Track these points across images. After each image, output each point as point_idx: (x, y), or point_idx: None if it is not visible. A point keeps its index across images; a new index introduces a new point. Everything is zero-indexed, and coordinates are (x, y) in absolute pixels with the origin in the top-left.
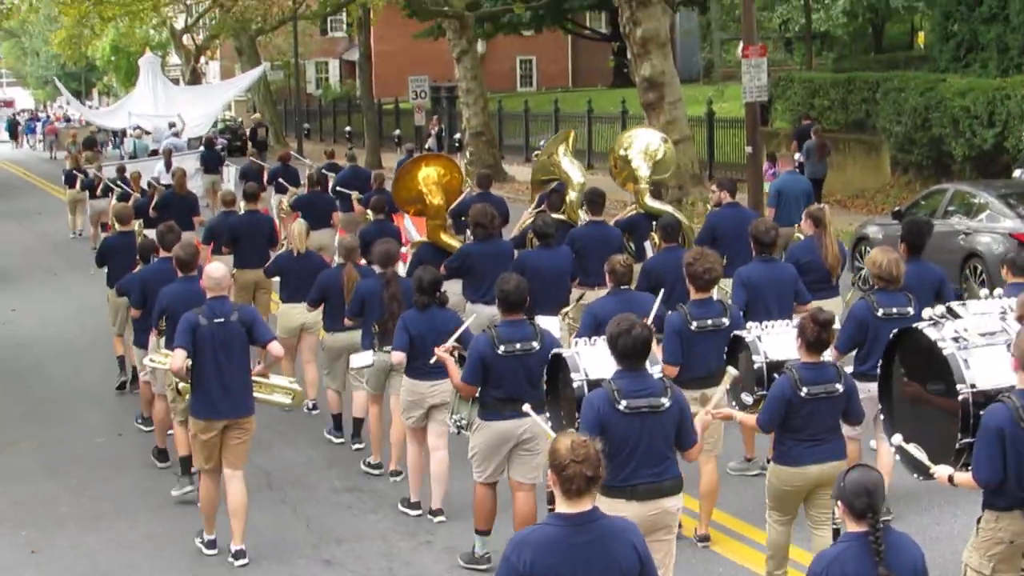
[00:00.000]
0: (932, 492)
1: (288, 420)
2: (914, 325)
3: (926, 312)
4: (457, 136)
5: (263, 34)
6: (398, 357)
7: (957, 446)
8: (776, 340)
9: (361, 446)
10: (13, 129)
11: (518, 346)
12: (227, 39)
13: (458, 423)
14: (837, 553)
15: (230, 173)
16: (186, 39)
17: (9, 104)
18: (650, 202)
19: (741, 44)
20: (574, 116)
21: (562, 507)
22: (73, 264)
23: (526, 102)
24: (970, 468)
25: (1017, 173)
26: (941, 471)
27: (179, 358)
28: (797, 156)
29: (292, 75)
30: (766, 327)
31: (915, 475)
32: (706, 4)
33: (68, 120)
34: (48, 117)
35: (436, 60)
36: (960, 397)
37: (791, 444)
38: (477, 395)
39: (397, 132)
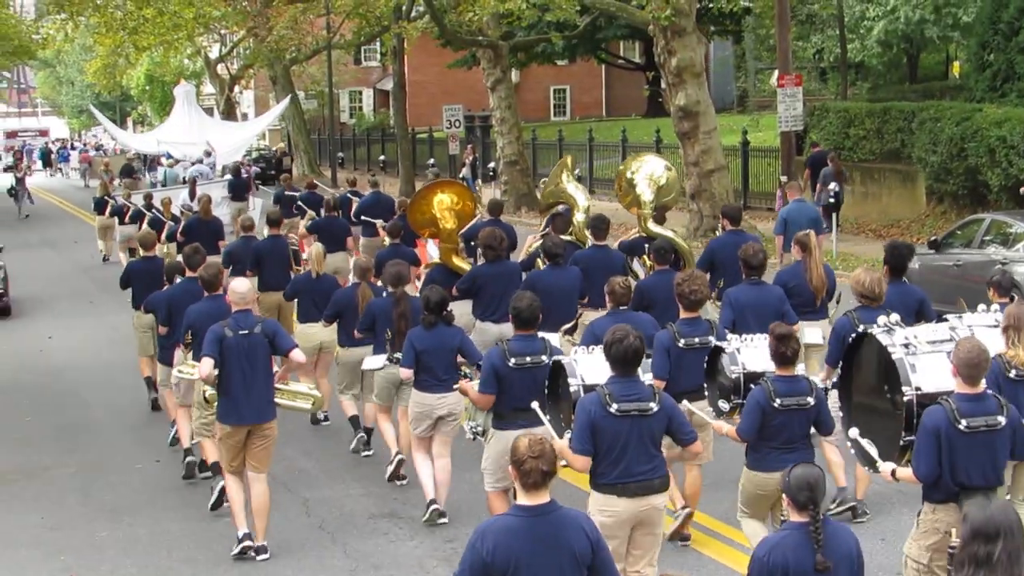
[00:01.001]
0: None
1: (324, 448)
2: (869, 331)
3: (881, 319)
4: (491, 165)
5: (297, 63)
6: (406, 373)
7: (901, 443)
8: (754, 353)
9: (371, 453)
10: (47, 158)
11: (528, 359)
12: (261, 68)
13: (474, 430)
14: (779, 540)
15: (257, 201)
16: (220, 68)
17: (44, 133)
18: (652, 227)
19: (776, 73)
20: (608, 145)
21: (522, 499)
22: (108, 291)
23: (560, 131)
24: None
25: None
26: (885, 467)
27: (207, 366)
28: (832, 186)
29: (326, 104)
30: (746, 340)
31: (866, 468)
32: (740, 34)
33: (99, 148)
34: (83, 145)
35: (470, 89)
36: (905, 398)
37: (765, 451)
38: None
39: (431, 161)
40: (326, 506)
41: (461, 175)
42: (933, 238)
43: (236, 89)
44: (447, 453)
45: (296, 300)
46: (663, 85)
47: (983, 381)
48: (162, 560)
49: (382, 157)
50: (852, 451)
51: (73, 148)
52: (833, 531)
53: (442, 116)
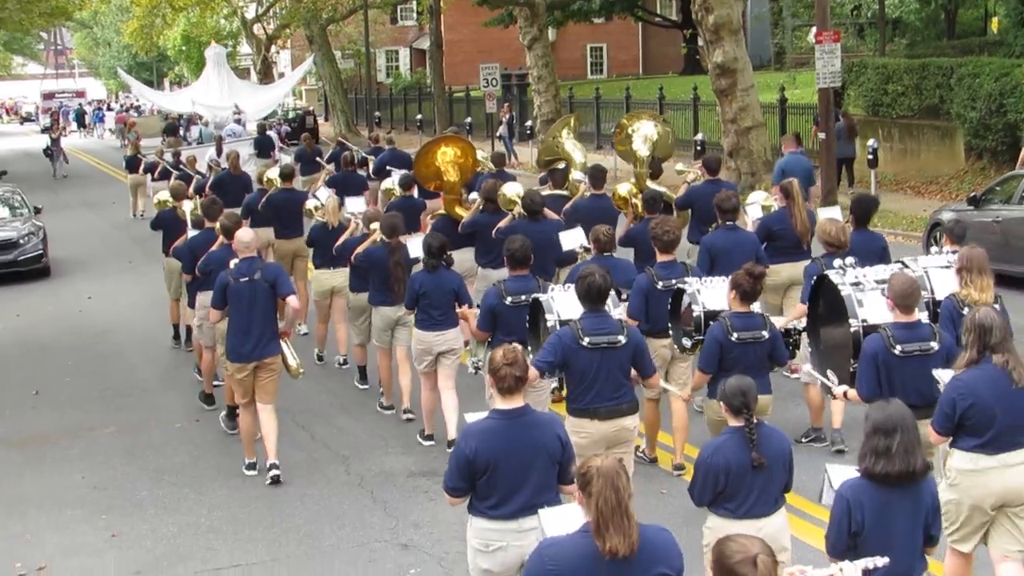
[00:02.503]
0: None
1: (363, 406)
2: (825, 272)
3: (836, 262)
4: (528, 123)
5: (334, 23)
6: (407, 312)
7: (851, 369)
8: (714, 293)
9: (366, 387)
10: (81, 119)
11: (523, 297)
12: (298, 28)
13: (476, 364)
14: (720, 443)
15: (284, 158)
16: (257, 28)
17: (80, 95)
18: (650, 184)
19: (814, 30)
20: (645, 103)
21: (499, 404)
22: (147, 250)
23: (597, 89)
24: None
25: None
26: (838, 390)
27: (214, 316)
28: (871, 143)
29: (363, 64)
30: (705, 282)
31: (826, 394)
32: None
33: (133, 109)
34: (119, 107)
35: (506, 48)
36: (852, 329)
37: (723, 380)
38: (490, 340)
39: (468, 120)
40: (366, 464)
41: (498, 133)
42: (972, 194)
43: (273, 49)
44: (452, 385)
45: (313, 248)
46: (700, 42)
47: (917, 310)
48: (203, 519)
49: (419, 116)
50: (816, 380)
51: (110, 109)
52: (767, 433)
53: (479, 75)
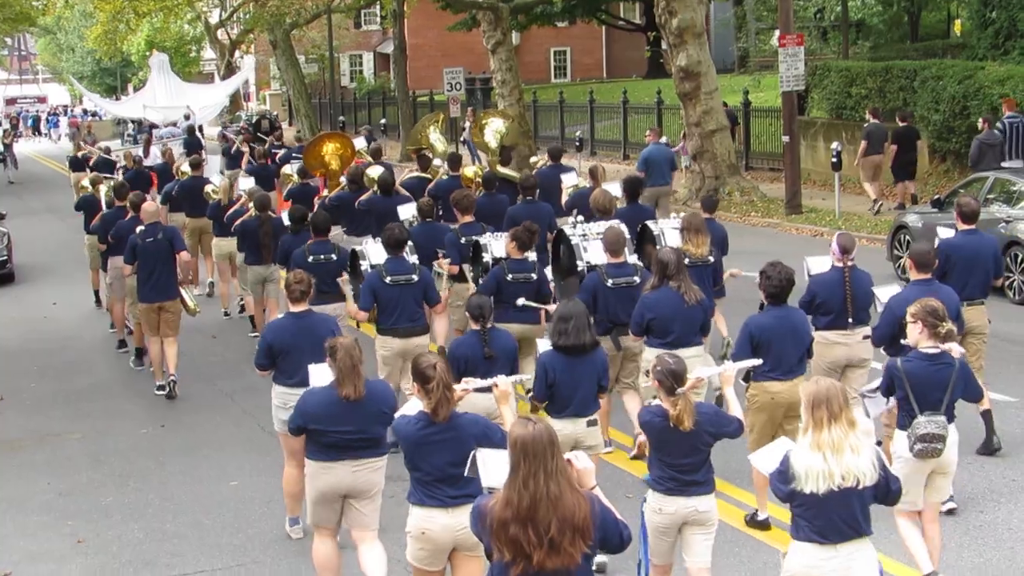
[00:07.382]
0: None
1: None
2: (561, 227)
3: (569, 219)
4: None
5: (297, 28)
6: (278, 269)
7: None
8: (499, 244)
9: (257, 334)
10: (36, 124)
11: (322, 257)
12: (262, 33)
13: None
14: (463, 340)
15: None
16: (221, 34)
17: (42, 100)
18: (500, 169)
19: (777, 33)
20: (609, 107)
21: (291, 308)
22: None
23: (561, 93)
24: None
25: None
26: None
27: (127, 271)
28: (835, 146)
29: (327, 68)
30: (496, 235)
31: None
32: None
33: (94, 114)
34: (71, 111)
35: (470, 52)
36: (579, 268)
37: (503, 309)
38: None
39: (383, 121)
40: None
41: (462, 138)
42: (936, 197)
43: (237, 54)
44: None
45: (213, 221)
46: (664, 46)
47: (624, 253)
48: (168, 525)
49: (383, 120)
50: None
51: (66, 114)
52: (497, 335)
53: (443, 79)
